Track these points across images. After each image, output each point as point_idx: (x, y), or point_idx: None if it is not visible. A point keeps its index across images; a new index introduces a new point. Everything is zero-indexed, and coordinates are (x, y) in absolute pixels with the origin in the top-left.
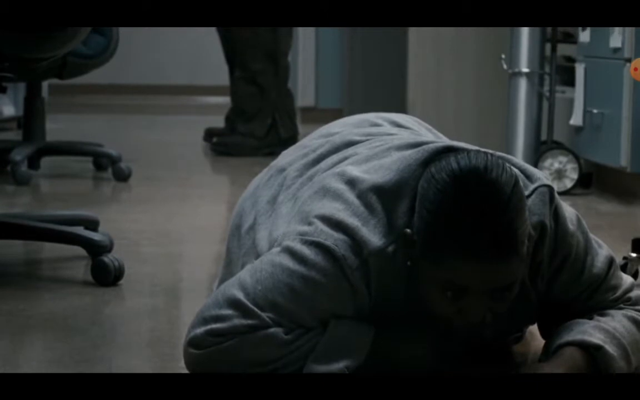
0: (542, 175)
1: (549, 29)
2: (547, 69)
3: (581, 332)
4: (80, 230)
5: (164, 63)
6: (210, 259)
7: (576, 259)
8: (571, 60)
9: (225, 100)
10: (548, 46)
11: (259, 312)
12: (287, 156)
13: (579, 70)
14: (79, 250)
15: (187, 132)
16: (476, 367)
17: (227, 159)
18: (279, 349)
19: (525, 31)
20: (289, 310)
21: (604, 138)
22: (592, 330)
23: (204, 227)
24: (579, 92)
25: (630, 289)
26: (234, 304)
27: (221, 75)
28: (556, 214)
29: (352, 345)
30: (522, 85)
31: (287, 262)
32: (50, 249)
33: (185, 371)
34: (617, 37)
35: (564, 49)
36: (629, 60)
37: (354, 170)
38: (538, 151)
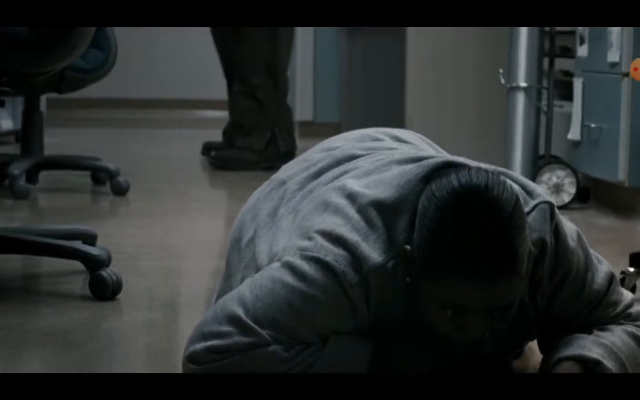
0: (543, 192)
1: (546, 44)
2: (545, 83)
3: (580, 347)
4: (78, 244)
5: (161, 77)
6: (208, 273)
7: (577, 276)
8: (569, 74)
9: (223, 114)
10: (546, 60)
11: (258, 329)
12: (288, 169)
13: (577, 84)
14: (77, 265)
15: (185, 146)
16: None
17: (225, 173)
18: (279, 366)
19: (523, 46)
20: (288, 326)
21: (601, 152)
22: (590, 345)
23: (202, 241)
24: (576, 107)
25: (630, 304)
26: (234, 320)
27: (219, 89)
28: (557, 231)
29: (351, 361)
30: (520, 99)
31: (287, 278)
32: (49, 263)
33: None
34: (614, 51)
35: (561, 64)
36: (626, 74)
37: (354, 185)
38: (536, 165)
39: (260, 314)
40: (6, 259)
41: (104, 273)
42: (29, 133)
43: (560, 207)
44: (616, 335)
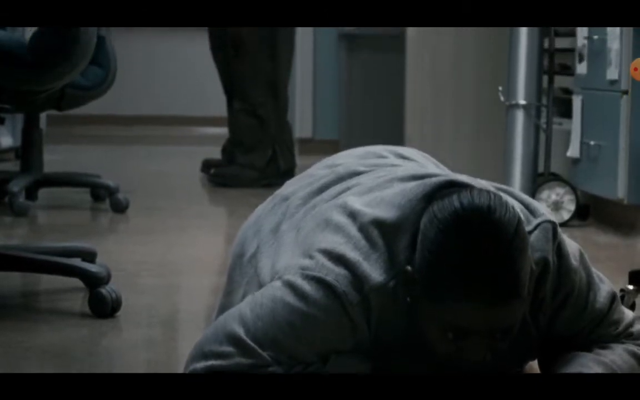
0: (546, 211)
1: (546, 61)
2: (544, 101)
3: (580, 365)
4: (77, 261)
5: (161, 94)
6: (208, 290)
7: (579, 295)
8: (568, 92)
9: (222, 131)
10: (545, 78)
11: (259, 350)
12: (292, 185)
13: (576, 102)
14: (77, 282)
15: (184, 163)
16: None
17: (224, 190)
18: None
19: (522, 63)
20: (289, 346)
21: (601, 170)
22: (591, 364)
23: (202, 258)
24: (576, 124)
25: (631, 323)
26: (234, 340)
27: (218, 106)
28: (559, 250)
29: None
30: (520, 117)
31: (288, 297)
32: (48, 281)
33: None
34: (613, 69)
35: (561, 81)
36: (625, 92)
37: (355, 202)
38: (535, 183)
39: (261, 333)
40: (5, 277)
41: (104, 290)
42: (28, 150)
43: (560, 225)
44: (617, 354)
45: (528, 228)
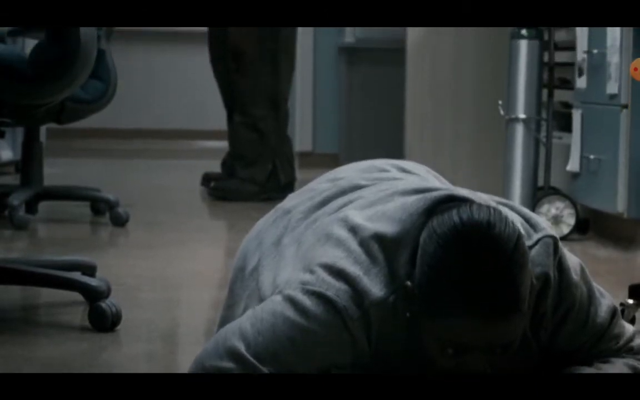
0: (547, 225)
1: (545, 75)
2: (544, 114)
3: None
4: (77, 275)
5: (161, 108)
6: (208, 304)
7: (580, 310)
8: (568, 106)
9: (222, 144)
10: (545, 92)
11: (259, 366)
12: (293, 199)
13: (576, 116)
14: (77, 296)
15: (184, 177)
16: None
17: (225, 204)
18: None
19: (522, 77)
20: (289, 361)
21: (601, 184)
22: None
23: (202, 272)
24: (575, 138)
25: (632, 338)
26: (235, 355)
27: (218, 119)
28: (560, 265)
29: None
30: (519, 131)
31: (289, 312)
32: (48, 294)
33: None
34: (613, 83)
35: (560, 95)
36: (625, 106)
37: (356, 216)
38: (535, 197)
39: (261, 348)
40: (5, 290)
41: (104, 304)
42: (28, 163)
43: (560, 239)
44: (617, 368)
45: (529, 243)
